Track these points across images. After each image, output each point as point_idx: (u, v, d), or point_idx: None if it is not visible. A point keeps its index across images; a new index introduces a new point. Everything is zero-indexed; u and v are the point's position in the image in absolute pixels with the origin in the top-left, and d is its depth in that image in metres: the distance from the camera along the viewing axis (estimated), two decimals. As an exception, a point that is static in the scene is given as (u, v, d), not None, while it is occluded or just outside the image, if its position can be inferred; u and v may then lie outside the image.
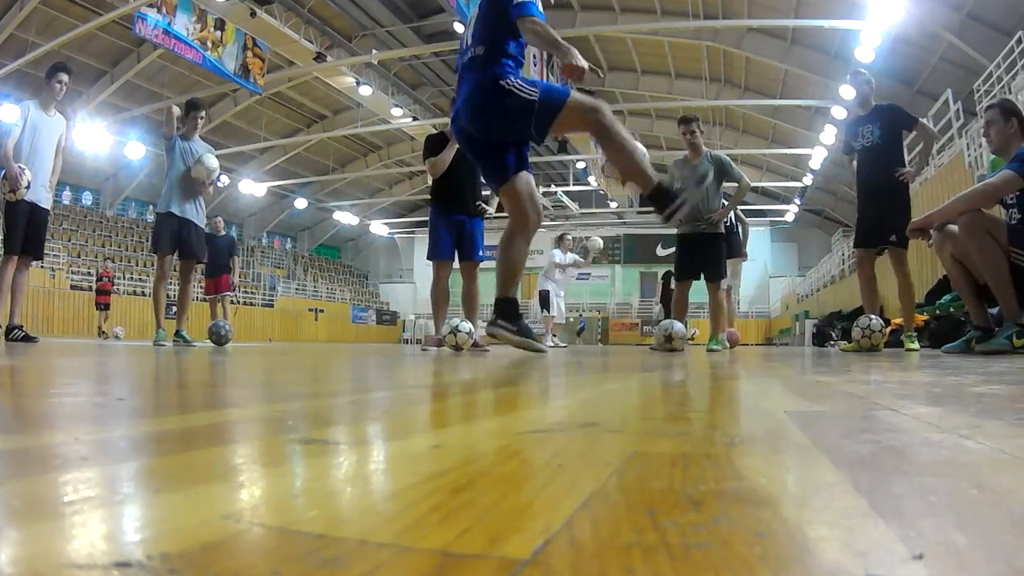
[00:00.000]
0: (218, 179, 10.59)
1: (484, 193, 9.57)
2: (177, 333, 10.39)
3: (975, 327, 6.87)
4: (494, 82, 5.93)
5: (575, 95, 5.96)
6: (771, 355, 8.71)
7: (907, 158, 9.40)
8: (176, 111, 10.30)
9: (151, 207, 12.39)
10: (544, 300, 19.06)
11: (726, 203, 10.37)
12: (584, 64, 5.79)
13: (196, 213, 10.30)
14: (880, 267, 9.10)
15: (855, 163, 9.14)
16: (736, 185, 10.37)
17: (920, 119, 8.92)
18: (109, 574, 0.50)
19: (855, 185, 9.16)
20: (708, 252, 10.26)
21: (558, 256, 18.92)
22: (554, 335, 18.59)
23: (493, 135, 6.15)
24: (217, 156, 10.43)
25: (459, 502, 0.73)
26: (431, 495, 0.76)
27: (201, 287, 19.72)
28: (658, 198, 6.18)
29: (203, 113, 10.56)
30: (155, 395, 2.28)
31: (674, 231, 10.38)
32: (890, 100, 8.96)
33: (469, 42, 6.14)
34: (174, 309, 11.55)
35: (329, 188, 55.80)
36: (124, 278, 38.30)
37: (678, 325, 9.36)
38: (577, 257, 19.30)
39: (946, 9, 22.53)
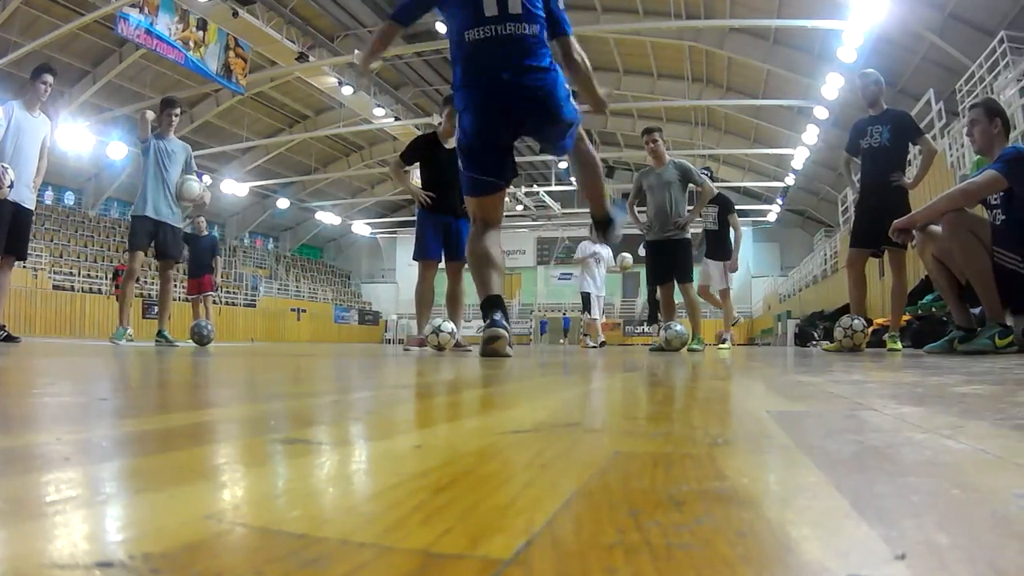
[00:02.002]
0: (205, 200, 10.55)
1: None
2: (159, 333, 10.34)
3: (957, 327, 6.89)
4: (560, 82, 5.80)
5: None
6: (753, 355, 8.73)
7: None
8: (150, 115, 10.22)
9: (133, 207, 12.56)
10: (586, 302, 18.63)
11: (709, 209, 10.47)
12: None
13: (172, 214, 10.26)
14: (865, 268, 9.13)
15: (851, 164, 9.17)
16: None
17: (925, 135, 8.95)
18: (91, 574, 0.50)
19: (852, 185, 9.18)
20: (676, 256, 10.49)
21: (592, 247, 18.19)
22: (585, 334, 18.39)
23: (536, 128, 6.03)
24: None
25: (441, 502, 0.73)
26: (413, 495, 0.76)
27: (183, 287, 19.70)
28: (605, 223, 6.51)
29: (178, 111, 10.51)
30: (137, 395, 2.27)
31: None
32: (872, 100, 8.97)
33: (517, 10, 5.65)
34: (155, 309, 11.55)
35: (311, 188, 55.84)
36: (106, 279, 38.17)
37: (679, 326, 9.47)
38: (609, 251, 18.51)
39: (928, 9, 22.63)
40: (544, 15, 5.77)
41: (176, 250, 10.46)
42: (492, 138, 5.91)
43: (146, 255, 10.29)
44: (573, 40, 6.02)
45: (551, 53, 5.84)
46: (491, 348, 5.69)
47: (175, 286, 11.16)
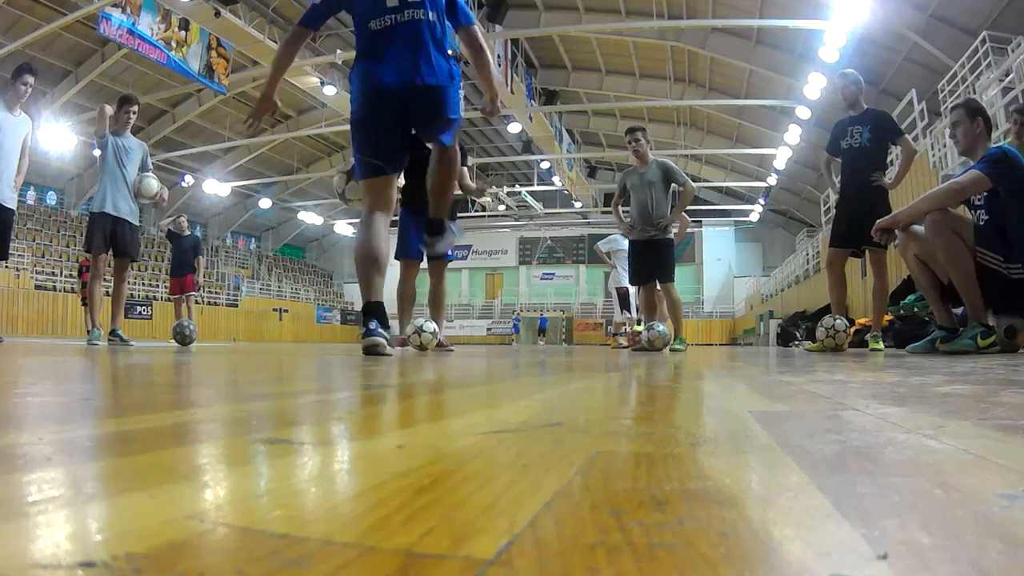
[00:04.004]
0: (163, 197, 10.47)
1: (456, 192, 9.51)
2: (113, 332, 10.20)
3: (939, 327, 6.91)
4: (452, 76, 6.02)
5: None
6: (735, 355, 8.74)
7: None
8: (108, 110, 10.19)
9: (91, 204, 12.44)
10: (624, 299, 17.91)
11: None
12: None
13: (130, 211, 10.19)
14: (846, 268, 9.14)
15: (832, 164, 9.19)
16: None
17: (905, 134, 8.96)
18: (74, 574, 0.50)
19: (832, 185, 9.20)
20: (658, 255, 10.47)
21: (624, 241, 16.35)
22: (616, 334, 17.67)
23: (424, 121, 6.18)
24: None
25: (423, 502, 0.73)
26: (395, 495, 0.76)
27: (166, 287, 19.65)
28: (438, 226, 6.53)
29: (135, 108, 10.39)
30: (120, 395, 2.27)
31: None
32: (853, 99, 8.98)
33: None
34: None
35: (294, 188, 55.83)
36: (72, 275, 38.15)
37: (661, 327, 9.49)
38: None
39: (911, 9, 22.69)
40: (445, 5, 6.05)
41: (134, 248, 10.35)
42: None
43: (107, 253, 10.18)
44: (476, 29, 6.31)
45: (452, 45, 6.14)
46: (372, 352, 5.79)
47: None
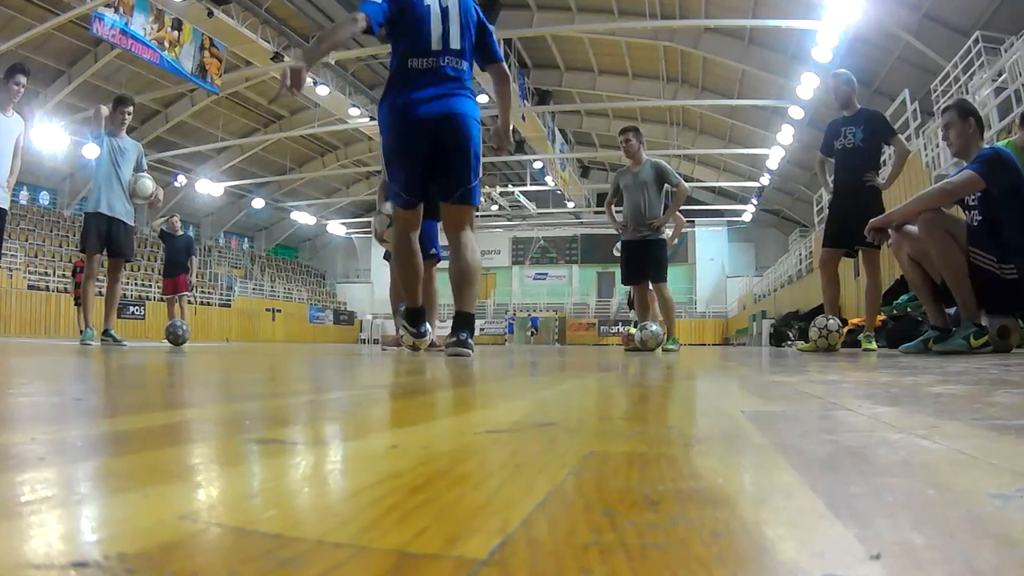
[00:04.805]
0: (158, 197, 10.44)
1: None
2: (106, 332, 10.17)
3: (932, 327, 6.90)
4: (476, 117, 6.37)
5: None
6: (728, 355, 8.75)
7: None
8: (104, 110, 10.18)
9: (86, 203, 12.39)
10: None
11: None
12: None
13: (125, 211, 10.17)
14: (839, 268, 9.14)
15: (826, 165, 9.19)
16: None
17: (898, 135, 8.95)
18: (67, 574, 0.50)
19: (826, 186, 9.19)
20: (650, 255, 10.45)
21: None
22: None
23: (456, 165, 6.33)
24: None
25: (416, 502, 0.73)
26: (388, 495, 0.76)
27: (159, 287, 19.63)
28: (467, 322, 6.50)
29: (130, 109, 10.38)
30: (112, 395, 2.26)
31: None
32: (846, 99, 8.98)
33: (457, 45, 6.24)
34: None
35: (286, 188, 55.75)
36: (66, 276, 38.08)
37: (654, 327, 9.48)
38: None
39: (904, 9, 22.69)
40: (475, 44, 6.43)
41: (128, 248, 10.32)
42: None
43: (101, 254, 10.15)
44: (505, 66, 6.65)
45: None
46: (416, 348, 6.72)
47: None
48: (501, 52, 6.61)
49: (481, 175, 6.48)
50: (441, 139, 6.13)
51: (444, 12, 6.16)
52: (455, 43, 6.18)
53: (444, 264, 9.59)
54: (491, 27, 6.51)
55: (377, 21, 5.99)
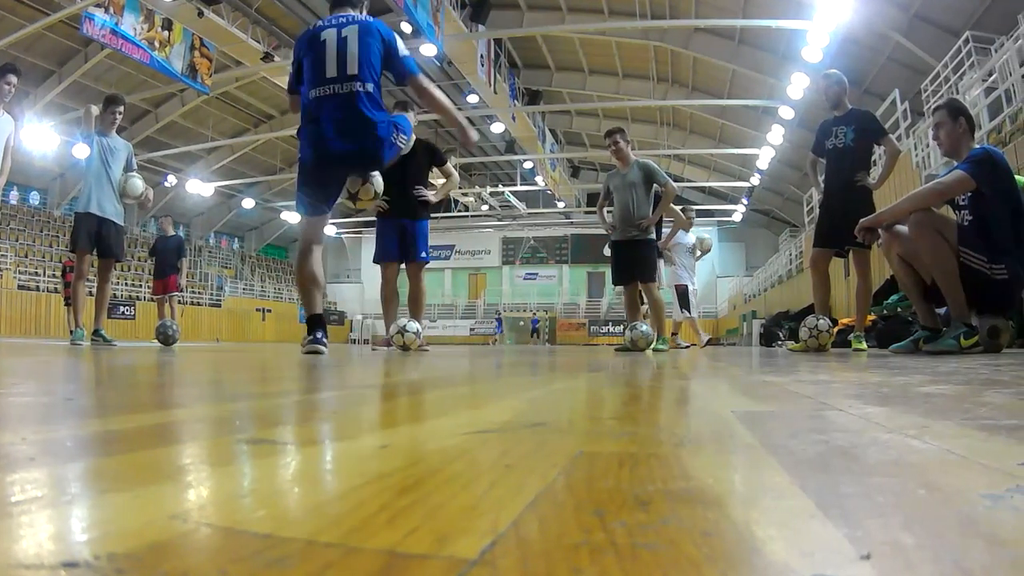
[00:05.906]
0: (148, 197, 10.43)
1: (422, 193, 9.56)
2: (96, 332, 10.17)
3: (923, 327, 6.91)
4: (387, 127, 6.77)
5: None
6: (718, 355, 8.75)
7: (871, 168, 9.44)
8: (94, 110, 10.17)
9: (76, 204, 12.29)
10: (684, 297, 16.75)
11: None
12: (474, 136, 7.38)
13: (116, 211, 10.16)
14: (829, 268, 9.15)
15: (817, 165, 9.19)
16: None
17: (889, 134, 8.96)
18: (57, 574, 0.50)
19: (817, 186, 9.20)
20: (638, 256, 10.44)
21: (686, 235, 16.17)
22: (675, 333, 16.62)
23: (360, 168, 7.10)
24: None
25: (407, 502, 0.73)
26: (379, 495, 0.76)
27: (149, 287, 19.60)
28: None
29: (120, 108, 10.35)
30: (102, 395, 2.26)
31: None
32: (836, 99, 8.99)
33: (353, 71, 6.59)
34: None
35: (277, 188, 55.65)
36: (56, 276, 38.05)
37: (644, 327, 9.47)
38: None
39: (894, 9, 22.74)
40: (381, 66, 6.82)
41: (119, 249, 10.30)
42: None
43: (91, 254, 10.14)
44: (420, 79, 6.89)
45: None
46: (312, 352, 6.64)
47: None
48: (415, 66, 6.88)
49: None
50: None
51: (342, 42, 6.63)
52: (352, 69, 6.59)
53: (432, 265, 9.64)
54: (396, 47, 6.79)
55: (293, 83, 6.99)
